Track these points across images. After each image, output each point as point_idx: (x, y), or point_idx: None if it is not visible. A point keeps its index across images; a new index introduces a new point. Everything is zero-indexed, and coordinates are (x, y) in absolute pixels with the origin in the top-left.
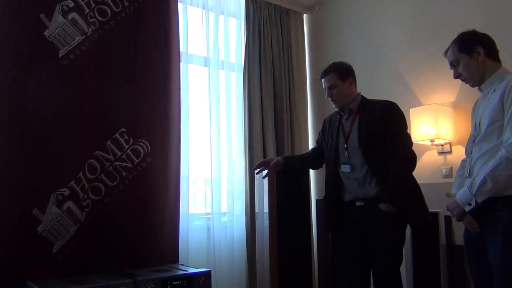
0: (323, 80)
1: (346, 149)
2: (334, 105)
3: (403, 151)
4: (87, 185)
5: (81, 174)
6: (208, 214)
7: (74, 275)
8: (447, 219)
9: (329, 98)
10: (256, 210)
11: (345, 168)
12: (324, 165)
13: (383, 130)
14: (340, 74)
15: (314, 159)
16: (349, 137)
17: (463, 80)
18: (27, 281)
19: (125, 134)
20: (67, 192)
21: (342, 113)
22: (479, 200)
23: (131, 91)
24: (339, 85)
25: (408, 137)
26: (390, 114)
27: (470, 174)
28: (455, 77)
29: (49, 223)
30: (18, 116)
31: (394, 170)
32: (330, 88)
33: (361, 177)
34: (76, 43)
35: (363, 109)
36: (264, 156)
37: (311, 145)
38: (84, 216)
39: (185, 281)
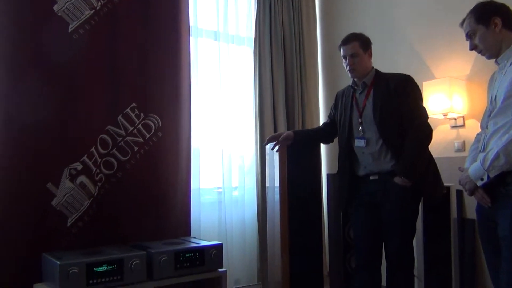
0: (344, 47)
1: (361, 123)
2: (351, 75)
3: (419, 125)
4: (99, 160)
5: (93, 149)
6: (219, 188)
7: (88, 247)
8: (459, 193)
9: (347, 68)
10: (267, 185)
11: (359, 143)
12: (335, 140)
13: (398, 103)
14: (362, 43)
15: (326, 133)
16: (363, 111)
17: (479, 52)
18: (43, 253)
19: (136, 109)
20: (80, 167)
21: (355, 87)
22: (492, 175)
23: (141, 66)
24: (360, 55)
25: (424, 110)
26: (406, 87)
27: (484, 149)
28: (471, 49)
29: (63, 197)
30: (29, 92)
31: (410, 144)
32: (352, 56)
33: (376, 151)
34: (85, 18)
35: (377, 82)
36: (275, 130)
37: (322, 120)
38: (97, 190)
39: (197, 254)
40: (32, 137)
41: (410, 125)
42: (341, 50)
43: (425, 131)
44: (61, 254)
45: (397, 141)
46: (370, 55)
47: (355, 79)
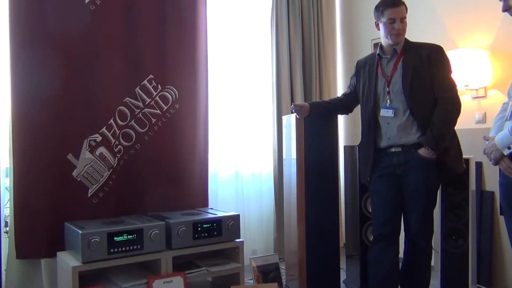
0: (395, 9)
1: (388, 92)
2: (394, 40)
3: (450, 97)
4: (118, 131)
5: (112, 120)
6: (236, 160)
7: (108, 217)
8: (478, 165)
9: (394, 32)
10: (284, 156)
11: (386, 113)
12: (353, 111)
13: (430, 73)
14: (406, 9)
15: (344, 104)
16: (391, 80)
17: (511, 15)
18: (66, 223)
19: (153, 81)
20: (99, 138)
21: (383, 55)
22: None
23: (158, 37)
24: (405, 20)
25: (454, 83)
26: (439, 57)
27: (511, 117)
28: (504, 10)
29: (83, 168)
30: (47, 64)
31: (440, 116)
32: (402, 20)
33: (403, 122)
34: None
35: (408, 51)
36: (292, 102)
37: (339, 91)
38: (117, 161)
39: (214, 224)
40: (51, 109)
41: (440, 96)
42: (389, 13)
43: (456, 104)
44: (83, 224)
45: (425, 113)
46: None
47: (384, 47)
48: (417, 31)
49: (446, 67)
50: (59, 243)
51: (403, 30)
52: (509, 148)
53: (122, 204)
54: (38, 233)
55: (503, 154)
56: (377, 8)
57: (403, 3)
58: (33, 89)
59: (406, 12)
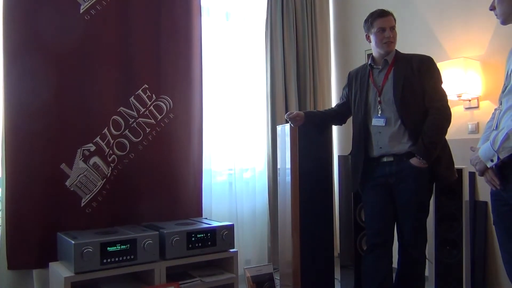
0: (384, 19)
1: (379, 102)
2: (385, 49)
3: (441, 107)
4: (112, 141)
5: (106, 130)
6: (231, 169)
7: (102, 227)
8: (472, 175)
9: (386, 40)
10: (278, 166)
11: (378, 122)
12: (347, 122)
13: (420, 83)
14: (394, 19)
15: (338, 114)
16: (382, 90)
17: (495, 15)
18: (58, 233)
19: (148, 91)
20: (93, 148)
21: (374, 66)
22: (502, 157)
23: (152, 47)
24: (395, 29)
25: (445, 93)
26: (429, 68)
27: (497, 127)
28: (490, 9)
29: (76, 178)
30: (41, 74)
31: (431, 125)
32: (392, 28)
33: (394, 131)
34: None
35: (399, 61)
36: (286, 112)
37: (334, 101)
38: (110, 171)
39: (209, 234)
40: (45, 119)
41: (431, 106)
42: (378, 23)
43: (447, 114)
44: (76, 234)
45: (416, 122)
46: None
47: (375, 58)
48: (410, 43)
49: (436, 77)
50: (51, 254)
51: (393, 39)
52: (491, 160)
53: (115, 214)
54: (30, 243)
55: (487, 166)
56: (366, 21)
57: (391, 14)
58: (26, 98)
59: (395, 22)
